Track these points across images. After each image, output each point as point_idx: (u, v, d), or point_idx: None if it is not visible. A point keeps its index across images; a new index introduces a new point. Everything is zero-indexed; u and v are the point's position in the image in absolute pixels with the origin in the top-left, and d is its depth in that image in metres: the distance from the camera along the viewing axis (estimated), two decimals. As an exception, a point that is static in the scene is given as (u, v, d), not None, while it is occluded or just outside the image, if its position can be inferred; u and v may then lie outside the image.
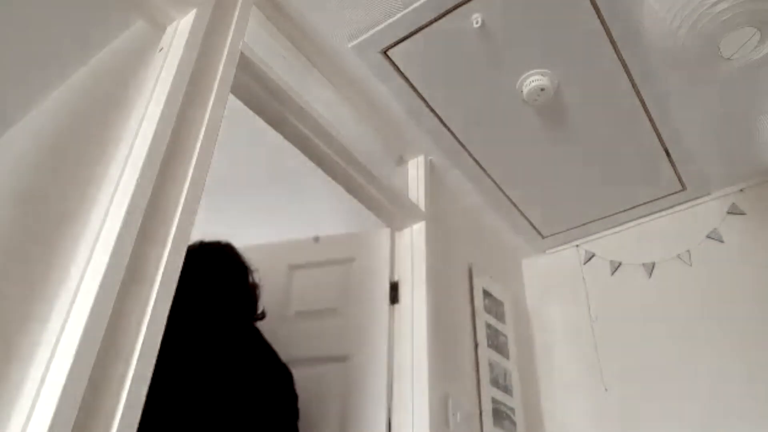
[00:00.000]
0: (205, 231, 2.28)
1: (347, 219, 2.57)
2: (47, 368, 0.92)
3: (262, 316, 1.67)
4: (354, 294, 2.10)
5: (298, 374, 2.00)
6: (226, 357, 1.43)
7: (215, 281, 1.61)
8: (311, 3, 1.76)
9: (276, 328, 2.16)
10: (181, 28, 1.38)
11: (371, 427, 1.79)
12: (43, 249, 1.21)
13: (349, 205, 2.21)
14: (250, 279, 1.69)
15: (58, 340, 0.95)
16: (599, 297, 2.55)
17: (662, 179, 2.38)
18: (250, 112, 1.71)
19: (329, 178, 2.02)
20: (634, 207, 2.54)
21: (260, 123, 1.75)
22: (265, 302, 2.15)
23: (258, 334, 1.61)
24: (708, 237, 2.40)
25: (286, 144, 1.84)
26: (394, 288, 2.05)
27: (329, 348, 2.03)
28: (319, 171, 2.08)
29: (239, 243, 2.15)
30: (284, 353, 2.07)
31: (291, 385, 1.59)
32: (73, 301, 0.98)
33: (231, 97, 1.46)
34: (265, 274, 2.22)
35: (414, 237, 2.13)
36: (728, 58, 1.73)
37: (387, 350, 1.91)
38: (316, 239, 2.29)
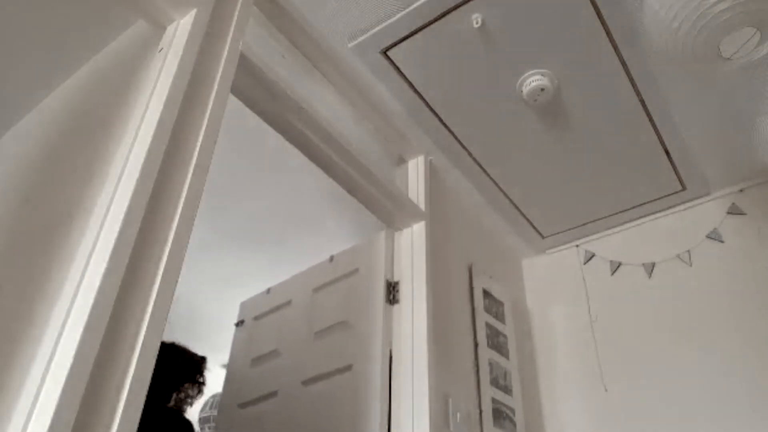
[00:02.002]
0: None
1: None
2: (47, 368, 0.92)
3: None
4: (360, 302, 2.11)
5: (313, 390, 2.09)
6: None
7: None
8: (311, 3, 1.76)
9: (300, 351, 2.26)
10: (181, 28, 1.38)
11: (372, 428, 1.79)
12: (44, 249, 1.21)
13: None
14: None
15: (58, 340, 0.95)
16: (599, 297, 2.55)
17: (662, 179, 2.38)
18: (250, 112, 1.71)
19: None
20: (634, 207, 2.54)
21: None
22: (293, 327, 2.37)
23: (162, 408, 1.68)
24: (708, 237, 2.40)
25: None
26: (393, 288, 2.05)
27: (338, 360, 2.05)
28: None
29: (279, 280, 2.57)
30: (304, 374, 2.16)
31: None
32: (73, 301, 0.98)
33: (231, 97, 1.46)
34: (296, 302, 2.42)
35: (414, 237, 2.13)
36: (728, 58, 1.74)
37: (380, 349, 1.91)
38: (331, 259, 2.39)
